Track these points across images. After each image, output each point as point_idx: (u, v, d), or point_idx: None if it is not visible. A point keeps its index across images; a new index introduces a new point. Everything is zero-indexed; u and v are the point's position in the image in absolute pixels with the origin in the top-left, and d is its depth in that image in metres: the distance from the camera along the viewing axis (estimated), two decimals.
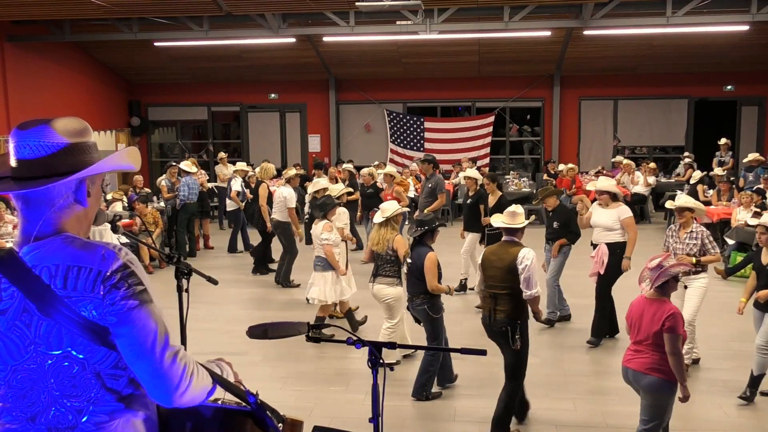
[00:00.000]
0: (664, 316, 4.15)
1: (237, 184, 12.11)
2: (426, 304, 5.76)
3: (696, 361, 6.52)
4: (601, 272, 6.97)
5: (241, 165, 12.62)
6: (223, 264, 11.44)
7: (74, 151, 1.86)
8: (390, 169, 10.90)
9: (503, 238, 5.32)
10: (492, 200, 8.62)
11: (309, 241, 8.96)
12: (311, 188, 8.95)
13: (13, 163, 1.85)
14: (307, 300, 8.02)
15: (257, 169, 11.03)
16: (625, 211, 7.03)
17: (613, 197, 7.13)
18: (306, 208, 9.01)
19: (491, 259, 5.17)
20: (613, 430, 5.29)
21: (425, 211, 9.47)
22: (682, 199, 6.37)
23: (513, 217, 5.32)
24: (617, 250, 6.97)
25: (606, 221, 7.07)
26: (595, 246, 7.22)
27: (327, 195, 7.99)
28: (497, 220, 5.42)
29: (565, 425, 5.36)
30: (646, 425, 4.32)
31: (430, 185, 9.98)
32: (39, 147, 1.83)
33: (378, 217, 6.48)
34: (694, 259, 6.06)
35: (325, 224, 7.36)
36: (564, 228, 7.65)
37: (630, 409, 5.62)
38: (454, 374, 6.11)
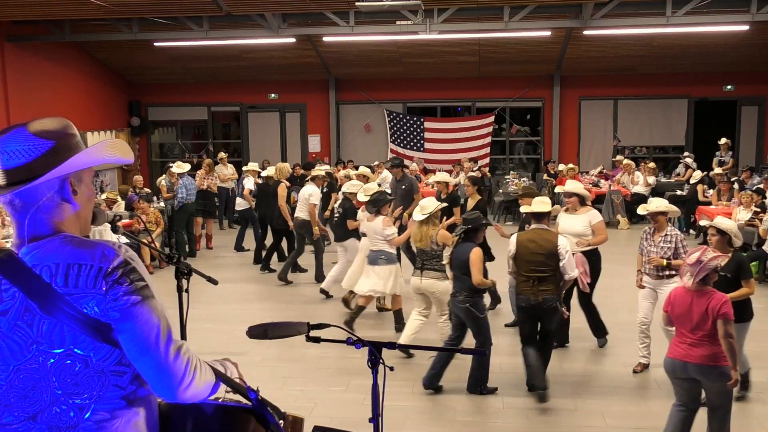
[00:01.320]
0: (717, 306, 4.35)
1: (249, 183, 12.22)
2: (469, 302, 5.74)
3: (646, 366, 6.36)
4: (587, 281, 6.65)
5: (253, 165, 12.77)
6: (224, 263, 11.43)
7: (54, 150, 1.85)
8: (364, 169, 10.67)
9: (533, 225, 5.94)
10: (471, 203, 8.40)
11: (340, 238, 9.05)
12: (345, 188, 9.12)
13: None
14: (347, 297, 8.29)
15: (273, 169, 11.11)
16: (595, 215, 6.76)
17: (582, 201, 6.89)
18: (337, 206, 9.19)
19: (530, 246, 5.77)
20: (613, 430, 5.29)
21: (404, 213, 9.32)
22: (654, 204, 6.24)
23: (541, 204, 5.93)
24: (593, 257, 6.75)
25: (576, 228, 6.75)
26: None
27: (379, 191, 8.13)
28: (527, 208, 6.18)
29: (565, 425, 5.36)
30: (720, 409, 4.51)
31: (404, 187, 9.87)
32: (17, 153, 1.82)
33: (418, 214, 6.58)
34: (664, 261, 6.01)
35: (384, 219, 7.44)
36: None
37: (630, 409, 5.63)
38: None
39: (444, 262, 6.46)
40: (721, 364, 4.38)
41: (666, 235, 6.09)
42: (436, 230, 6.51)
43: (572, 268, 5.75)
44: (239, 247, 12.32)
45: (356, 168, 12.84)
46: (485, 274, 5.83)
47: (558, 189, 7.64)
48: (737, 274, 5.39)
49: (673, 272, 6.04)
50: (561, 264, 5.67)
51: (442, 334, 6.58)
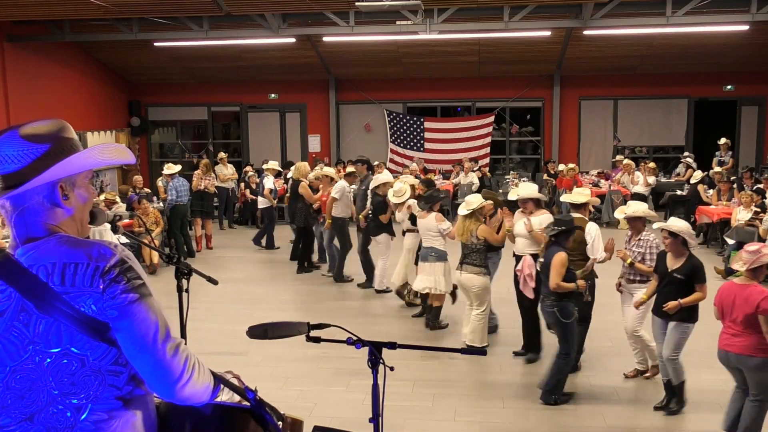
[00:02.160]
0: (758, 299, 4.54)
1: (269, 182, 12.34)
2: (555, 307, 5.65)
3: (642, 373, 6.25)
4: (533, 285, 6.54)
5: (273, 164, 12.86)
6: (224, 263, 11.43)
7: (46, 156, 1.85)
8: (328, 170, 10.61)
9: (572, 214, 6.37)
10: None
11: (372, 233, 9.10)
12: (373, 183, 9.26)
13: None
14: (408, 293, 8.43)
15: (292, 169, 11.15)
16: (547, 219, 6.62)
17: (537, 204, 6.80)
18: (368, 203, 9.32)
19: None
20: (613, 430, 5.29)
21: (359, 216, 9.39)
22: (632, 209, 6.21)
23: (579, 196, 6.62)
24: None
25: (520, 229, 6.72)
26: (518, 258, 6.80)
27: (434, 188, 8.35)
28: (567, 198, 6.73)
29: (565, 425, 5.36)
30: (757, 397, 4.74)
31: (364, 187, 9.80)
32: (9, 158, 1.82)
33: (462, 210, 6.88)
34: (629, 259, 5.98)
35: (437, 215, 7.53)
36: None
37: (630, 409, 5.63)
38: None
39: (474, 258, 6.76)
40: (759, 356, 4.58)
41: (640, 239, 6.03)
42: (477, 225, 6.73)
43: (598, 250, 6.08)
44: (270, 245, 12.33)
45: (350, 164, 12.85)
46: (571, 278, 5.64)
47: (511, 195, 7.39)
48: (691, 277, 5.33)
49: (638, 277, 5.98)
50: (587, 246, 6.10)
51: (473, 331, 6.76)
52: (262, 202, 12.55)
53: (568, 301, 5.67)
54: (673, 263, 5.45)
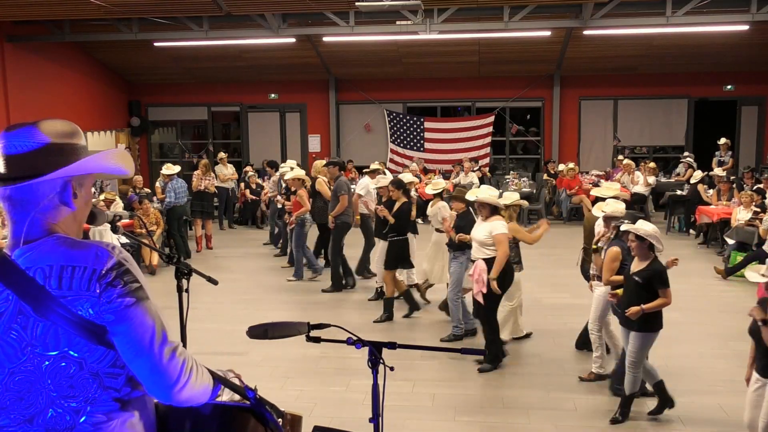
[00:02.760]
0: None
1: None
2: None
3: (601, 377, 6.11)
4: (484, 291, 6.34)
5: (292, 163, 12.79)
6: (225, 263, 11.42)
7: (59, 150, 1.85)
8: (298, 172, 10.46)
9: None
10: (396, 206, 8.25)
11: (381, 236, 9.11)
12: (375, 184, 9.43)
13: (0, 163, 1.84)
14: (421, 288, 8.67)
15: (282, 168, 11.19)
16: (498, 227, 6.39)
17: (493, 210, 6.51)
18: (374, 202, 9.41)
19: (585, 225, 6.89)
20: (613, 430, 5.29)
21: (330, 215, 9.45)
22: (611, 207, 6.20)
23: (608, 190, 7.11)
24: (504, 269, 6.38)
25: (479, 236, 6.49)
26: (473, 262, 6.64)
27: (462, 186, 8.71)
28: (602, 192, 7.16)
29: (566, 425, 5.36)
30: None
31: (332, 187, 9.79)
32: (23, 144, 1.82)
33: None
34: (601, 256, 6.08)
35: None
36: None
37: (630, 409, 5.62)
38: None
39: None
40: None
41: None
42: (512, 222, 6.96)
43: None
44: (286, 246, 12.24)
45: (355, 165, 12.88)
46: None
47: (469, 196, 7.09)
48: (651, 282, 5.14)
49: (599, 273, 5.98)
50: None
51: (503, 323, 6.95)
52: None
53: None
54: (636, 266, 5.30)
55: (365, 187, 9.96)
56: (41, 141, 1.84)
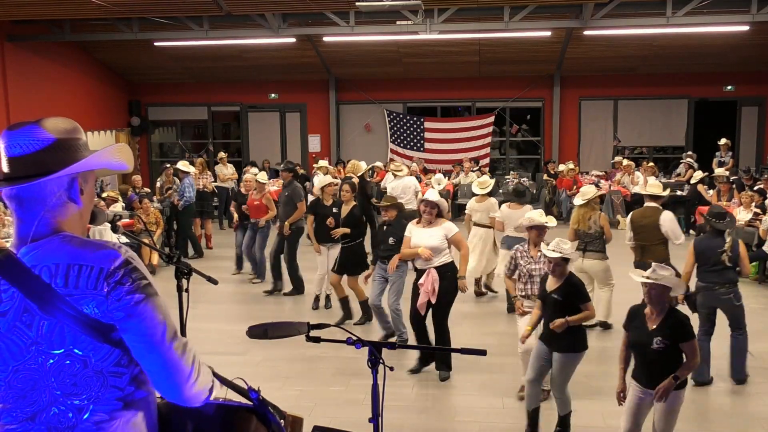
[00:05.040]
0: None
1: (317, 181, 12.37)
2: (731, 293, 6.03)
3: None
4: (433, 301, 6.04)
5: (323, 163, 12.88)
6: (225, 263, 11.41)
7: (64, 147, 1.85)
8: (261, 176, 10.12)
9: (647, 204, 7.14)
10: (345, 210, 7.97)
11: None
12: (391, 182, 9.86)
13: (4, 164, 1.84)
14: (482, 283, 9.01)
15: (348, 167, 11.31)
16: (452, 228, 6.12)
17: (439, 213, 6.19)
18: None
19: (640, 220, 7.06)
20: (613, 430, 5.28)
21: (286, 222, 9.07)
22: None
23: (654, 187, 7.28)
24: (448, 273, 6.10)
25: (430, 242, 6.07)
26: (419, 272, 6.20)
27: (519, 183, 8.99)
28: (639, 190, 7.49)
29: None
30: None
31: (286, 194, 9.38)
32: (28, 144, 1.82)
33: (578, 200, 7.63)
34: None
35: (529, 207, 7.84)
36: (401, 244, 6.53)
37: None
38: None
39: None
40: None
41: (540, 252, 5.65)
42: (596, 214, 7.43)
43: (678, 236, 6.88)
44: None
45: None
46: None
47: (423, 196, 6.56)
48: (569, 297, 4.89)
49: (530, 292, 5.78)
50: (668, 233, 6.85)
51: (603, 306, 7.40)
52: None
53: (737, 287, 6.13)
54: (552, 284, 5.02)
55: (416, 183, 10.38)
56: (47, 139, 1.84)
